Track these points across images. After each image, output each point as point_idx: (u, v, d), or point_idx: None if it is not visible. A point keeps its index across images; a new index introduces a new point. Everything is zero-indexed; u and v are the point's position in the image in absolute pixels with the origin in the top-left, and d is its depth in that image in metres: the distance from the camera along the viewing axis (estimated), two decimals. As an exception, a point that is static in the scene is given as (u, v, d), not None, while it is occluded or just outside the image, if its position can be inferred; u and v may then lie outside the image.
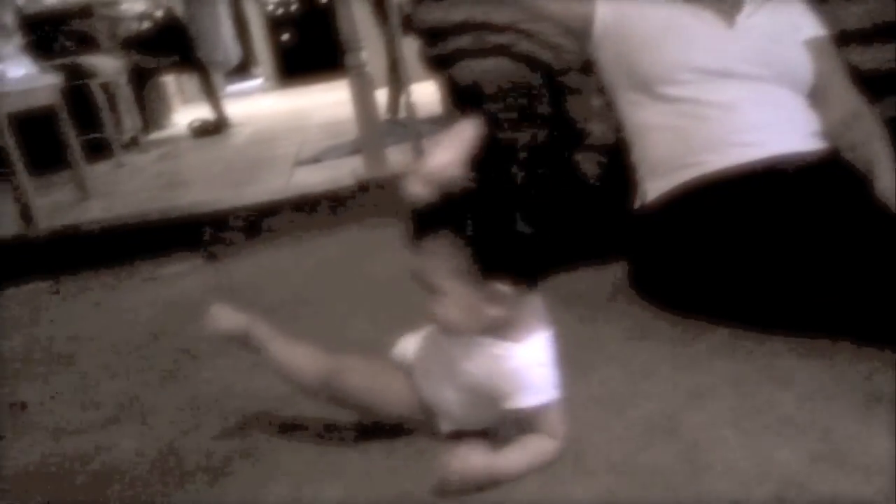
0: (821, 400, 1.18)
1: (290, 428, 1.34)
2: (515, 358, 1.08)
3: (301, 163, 3.52)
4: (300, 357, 1.24)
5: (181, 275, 2.46)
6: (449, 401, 1.16)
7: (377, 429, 1.24)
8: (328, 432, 1.30)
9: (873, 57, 1.72)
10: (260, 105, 7.04)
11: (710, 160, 1.49)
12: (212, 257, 2.56)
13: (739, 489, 1.01)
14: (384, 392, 1.21)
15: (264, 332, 1.24)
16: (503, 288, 1.05)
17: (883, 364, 1.22)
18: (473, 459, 1.07)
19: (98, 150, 4.28)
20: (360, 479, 1.16)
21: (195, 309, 2.06)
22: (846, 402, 1.16)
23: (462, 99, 1.97)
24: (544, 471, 1.09)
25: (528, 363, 1.08)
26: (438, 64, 1.98)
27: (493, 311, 1.07)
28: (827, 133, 1.54)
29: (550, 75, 1.84)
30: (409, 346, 1.25)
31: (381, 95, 3.58)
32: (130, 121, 5.03)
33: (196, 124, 5.35)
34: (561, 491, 1.06)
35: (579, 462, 1.10)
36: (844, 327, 1.28)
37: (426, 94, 2.72)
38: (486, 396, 1.11)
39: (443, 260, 1.05)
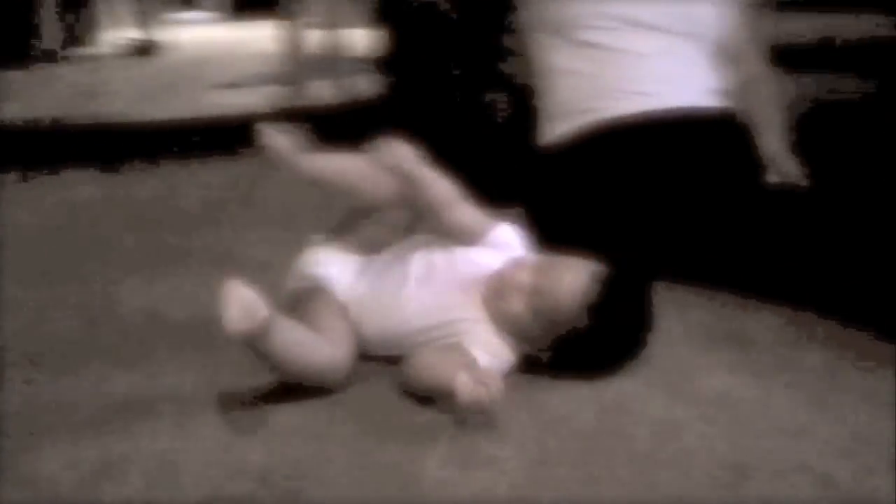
0: (677, 340, 1.24)
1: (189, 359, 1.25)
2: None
3: (219, 86, 3.44)
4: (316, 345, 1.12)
5: (79, 182, 2.37)
6: (388, 339, 1.18)
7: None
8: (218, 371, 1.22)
9: (793, 29, 1.75)
10: (203, 34, 6.76)
11: (608, 106, 1.49)
12: (112, 169, 2.47)
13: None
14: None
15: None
16: None
17: (736, 308, 1.33)
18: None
19: (17, 56, 4.11)
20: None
21: (88, 216, 2.03)
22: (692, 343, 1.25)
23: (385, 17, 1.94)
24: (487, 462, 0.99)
25: None
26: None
27: None
28: (728, 92, 1.56)
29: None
30: (328, 268, 1.24)
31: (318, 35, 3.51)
32: (55, 32, 4.82)
33: (124, 43, 5.17)
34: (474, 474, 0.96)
35: (506, 432, 1.03)
36: (716, 273, 1.34)
37: (358, 36, 2.69)
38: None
39: None
